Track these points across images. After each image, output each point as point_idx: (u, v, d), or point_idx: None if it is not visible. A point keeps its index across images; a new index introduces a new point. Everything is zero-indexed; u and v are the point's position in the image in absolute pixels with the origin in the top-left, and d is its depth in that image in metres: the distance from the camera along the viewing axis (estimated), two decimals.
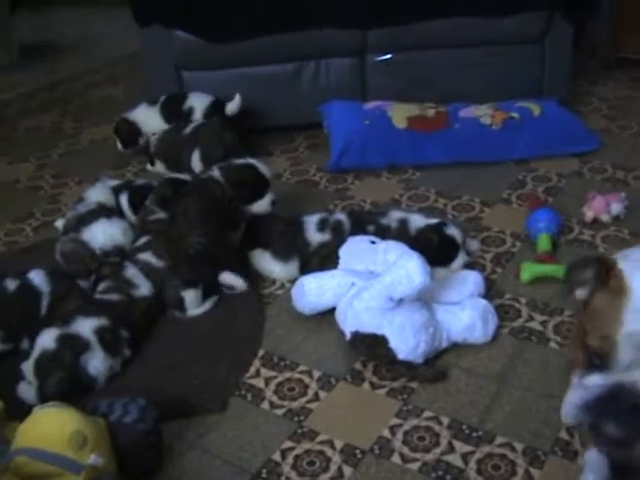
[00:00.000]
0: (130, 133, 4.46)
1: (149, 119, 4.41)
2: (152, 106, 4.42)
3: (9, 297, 2.86)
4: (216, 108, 4.27)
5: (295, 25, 4.22)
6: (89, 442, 2.09)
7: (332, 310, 2.78)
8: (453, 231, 3.06)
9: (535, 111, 4.00)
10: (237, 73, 4.38)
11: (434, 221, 3.11)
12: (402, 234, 3.05)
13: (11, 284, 2.89)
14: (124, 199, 3.53)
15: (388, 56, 4.37)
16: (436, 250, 2.97)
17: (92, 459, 2.07)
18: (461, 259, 3.06)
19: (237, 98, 4.26)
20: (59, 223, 3.67)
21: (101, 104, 5.64)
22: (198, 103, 4.29)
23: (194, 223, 3.02)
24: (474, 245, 3.23)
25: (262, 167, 3.23)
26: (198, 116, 4.27)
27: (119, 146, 4.51)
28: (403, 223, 3.12)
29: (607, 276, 1.62)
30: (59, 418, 2.15)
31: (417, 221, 3.13)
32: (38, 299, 2.88)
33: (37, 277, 2.93)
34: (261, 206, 3.21)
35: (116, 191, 3.57)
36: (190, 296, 2.95)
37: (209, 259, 3.01)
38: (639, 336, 1.48)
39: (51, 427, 2.12)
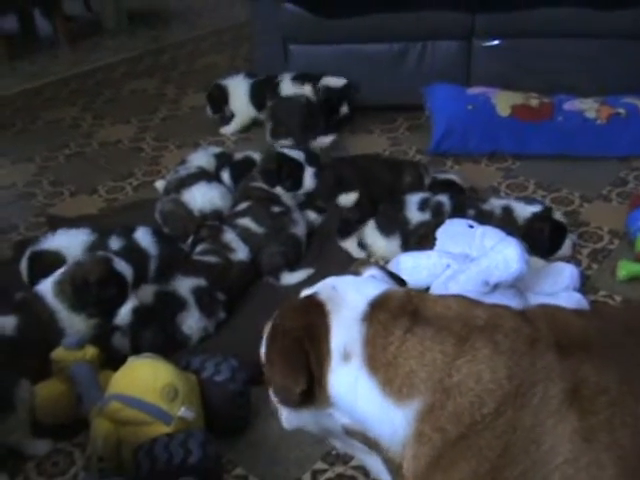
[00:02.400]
0: (219, 99, 4.52)
1: (237, 90, 4.48)
2: (247, 79, 4.49)
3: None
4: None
5: (405, 5, 4.21)
6: (180, 395, 2.16)
7: (426, 290, 2.77)
8: (557, 215, 3.09)
9: None
10: (343, 49, 4.39)
11: (538, 208, 3.11)
12: (507, 222, 3.03)
13: (115, 243, 2.96)
14: (226, 175, 3.59)
15: (496, 42, 4.32)
16: (549, 239, 3.01)
17: (182, 411, 2.14)
18: (570, 240, 3.10)
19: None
20: (159, 184, 3.76)
21: (204, 72, 5.71)
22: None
23: None
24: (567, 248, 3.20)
25: None
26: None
27: (208, 111, 4.58)
28: (507, 211, 3.10)
29: None
30: (153, 369, 2.22)
31: (522, 209, 3.10)
32: (145, 261, 2.96)
33: (145, 238, 3.01)
34: None
35: (217, 163, 3.64)
36: None
37: None
38: None
39: (145, 377, 2.20)
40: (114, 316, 2.54)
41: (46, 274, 2.78)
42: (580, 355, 1.43)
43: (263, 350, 1.66)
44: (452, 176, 3.53)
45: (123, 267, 2.55)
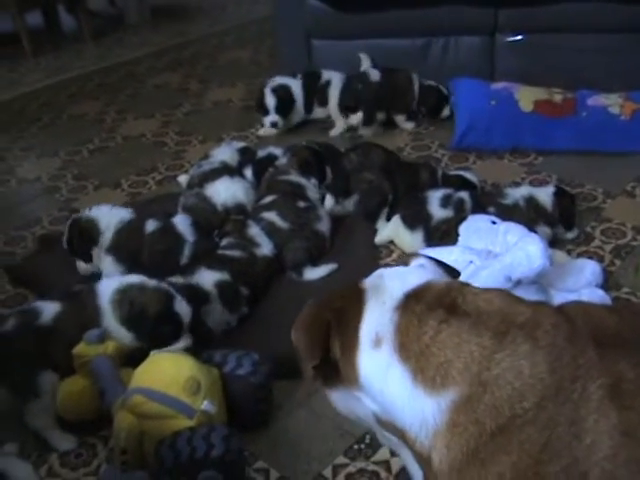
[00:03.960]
0: (289, 99, 4.37)
1: (297, 90, 4.40)
2: (295, 79, 4.42)
3: (147, 237, 3.00)
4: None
5: (428, 0, 4.20)
6: (203, 389, 2.17)
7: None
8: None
9: None
10: (366, 44, 4.40)
11: (552, 188, 3.21)
12: (536, 212, 3.11)
13: (151, 225, 3.02)
14: (249, 172, 3.60)
15: (519, 37, 4.30)
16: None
17: (205, 405, 2.15)
18: None
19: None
20: (182, 178, 3.79)
21: (228, 66, 5.74)
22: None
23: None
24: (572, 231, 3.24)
25: None
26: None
27: (276, 120, 4.35)
28: (533, 201, 3.14)
29: None
30: (176, 363, 2.24)
31: (544, 194, 3.17)
32: (181, 245, 3.00)
33: (182, 224, 3.06)
34: None
35: (241, 158, 3.66)
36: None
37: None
38: None
39: (168, 371, 2.21)
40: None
41: (81, 239, 2.95)
42: (616, 351, 1.43)
43: None
44: (463, 172, 3.55)
45: (183, 308, 2.48)
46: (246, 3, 7.72)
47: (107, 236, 2.99)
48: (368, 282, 1.59)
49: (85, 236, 2.98)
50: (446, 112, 4.34)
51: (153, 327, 2.42)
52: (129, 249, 2.98)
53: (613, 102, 3.91)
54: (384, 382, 1.47)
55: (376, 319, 1.50)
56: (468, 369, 1.39)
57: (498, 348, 1.39)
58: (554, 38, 4.28)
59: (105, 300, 2.45)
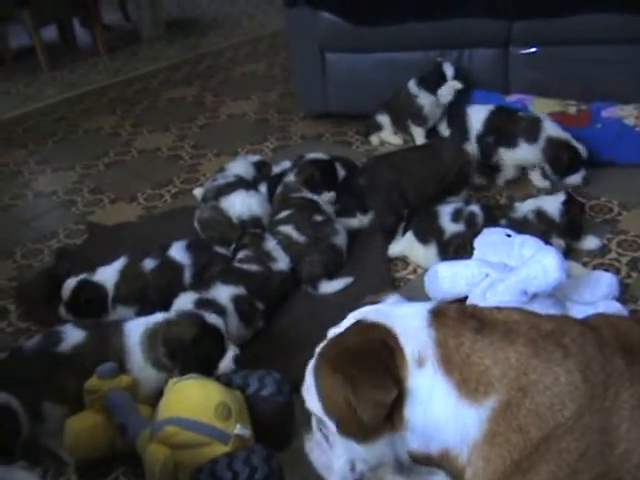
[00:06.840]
0: None
1: None
2: None
3: (147, 275, 2.94)
4: None
5: (442, 13, 4.20)
6: (233, 413, 2.14)
7: (463, 299, 2.76)
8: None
9: None
10: (380, 57, 4.38)
11: (562, 197, 3.19)
12: (545, 225, 3.10)
13: (150, 263, 2.96)
14: (263, 189, 3.59)
15: (533, 49, 4.29)
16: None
17: (238, 429, 2.12)
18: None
19: None
20: (197, 191, 3.80)
21: (242, 80, 5.76)
22: None
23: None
24: (594, 242, 3.22)
25: None
26: None
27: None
28: (541, 214, 3.13)
29: None
30: (203, 389, 2.21)
31: (551, 206, 3.16)
32: (180, 272, 2.96)
33: (178, 253, 3.00)
34: None
35: (256, 171, 3.67)
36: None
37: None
38: None
39: (196, 398, 2.18)
40: (215, 370, 2.41)
41: (90, 307, 2.84)
42: None
43: (313, 387, 1.58)
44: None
45: (214, 319, 2.45)
46: (259, 17, 7.76)
47: (111, 293, 2.89)
48: (370, 317, 1.55)
49: (97, 304, 2.87)
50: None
51: (195, 350, 2.36)
52: (134, 292, 2.90)
53: (628, 113, 3.90)
54: (429, 401, 1.45)
55: (414, 339, 1.48)
56: (506, 375, 1.40)
57: (533, 354, 1.41)
58: (568, 50, 4.25)
59: (133, 341, 2.41)
